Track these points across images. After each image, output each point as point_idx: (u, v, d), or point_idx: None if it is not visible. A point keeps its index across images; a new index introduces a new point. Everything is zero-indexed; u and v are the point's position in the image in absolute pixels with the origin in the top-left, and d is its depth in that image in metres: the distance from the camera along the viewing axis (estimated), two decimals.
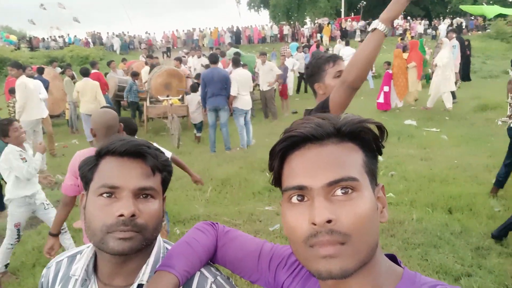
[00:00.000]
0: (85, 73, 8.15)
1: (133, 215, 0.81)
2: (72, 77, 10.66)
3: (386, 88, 9.71)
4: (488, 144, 6.60)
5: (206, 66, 11.20)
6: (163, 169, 0.90)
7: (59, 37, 31.24)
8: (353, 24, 29.29)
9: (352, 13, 36.60)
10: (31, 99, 6.50)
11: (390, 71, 9.72)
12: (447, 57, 8.91)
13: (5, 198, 3.67)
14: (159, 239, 0.95)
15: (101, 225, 0.81)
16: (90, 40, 30.39)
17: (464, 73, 13.02)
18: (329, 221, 0.60)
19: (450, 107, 9.07)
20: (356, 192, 0.63)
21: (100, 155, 0.88)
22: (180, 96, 9.40)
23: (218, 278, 0.92)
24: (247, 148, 7.42)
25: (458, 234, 3.75)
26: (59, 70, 11.87)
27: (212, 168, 6.24)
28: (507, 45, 21.81)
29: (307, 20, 37.06)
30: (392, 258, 0.74)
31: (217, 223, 1.01)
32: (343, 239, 0.61)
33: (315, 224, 0.61)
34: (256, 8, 41.59)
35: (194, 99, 8.35)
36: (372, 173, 0.68)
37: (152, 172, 0.87)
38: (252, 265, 0.90)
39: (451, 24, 26.58)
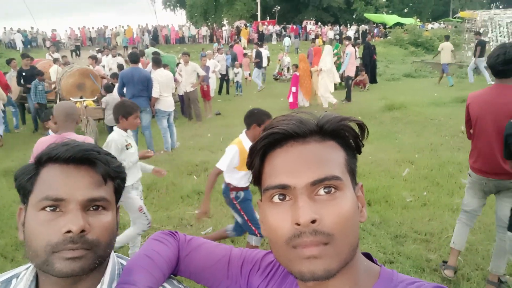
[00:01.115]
0: None
1: (82, 231, 0.70)
2: None
3: (293, 89, 10.46)
4: (396, 140, 7.25)
5: (120, 66, 10.67)
6: (116, 177, 0.80)
7: None
8: (269, 28, 30.20)
9: (268, 17, 37.75)
10: None
11: (298, 74, 10.43)
12: (329, 63, 9.97)
13: None
14: (113, 254, 0.85)
15: (45, 244, 0.69)
16: None
17: (372, 76, 14.20)
18: (313, 221, 0.59)
19: (336, 101, 10.10)
20: (339, 192, 0.63)
21: (40, 162, 0.76)
22: (95, 97, 8.79)
23: None
24: (172, 151, 7.20)
25: (378, 225, 4.05)
26: None
27: None
28: (404, 51, 24.29)
29: (225, 22, 37.32)
30: (367, 256, 0.74)
31: (176, 232, 0.94)
32: (326, 240, 0.59)
33: (298, 225, 0.59)
34: (172, 7, 40.72)
35: (110, 100, 7.86)
36: (352, 172, 0.68)
37: (104, 180, 0.76)
38: (221, 273, 0.85)
39: (358, 30, 28.86)
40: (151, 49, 11.18)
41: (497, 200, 2.87)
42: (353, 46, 11.98)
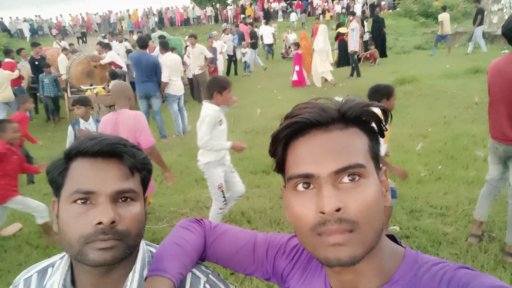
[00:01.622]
0: None
1: (113, 222, 0.73)
2: None
3: (297, 68, 10.55)
4: (408, 115, 7.18)
5: (128, 51, 10.64)
6: (142, 168, 0.82)
7: None
8: (274, 5, 29.65)
9: None
10: None
11: (300, 52, 10.52)
12: (322, 42, 9.91)
13: (199, 163, 3.51)
14: (142, 242, 0.87)
15: (78, 235, 0.72)
16: None
17: (381, 50, 13.92)
18: (338, 210, 0.60)
19: (332, 79, 10.16)
20: (363, 179, 0.63)
21: (70, 156, 0.78)
22: (105, 84, 8.83)
23: (210, 276, 0.88)
24: (184, 135, 7.25)
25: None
26: None
27: None
28: (414, 22, 23.66)
29: (229, 1, 36.72)
30: (392, 238, 0.75)
31: (202, 219, 0.96)
32: (351, 227, 0.60)
33: (323, 213, 0.60)
34: None
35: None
36: (376, 157, 0.68)
37: (131, 172, 0.78)
38: (248, 257, 0.88)
39: (366, 3, 28.16)
40: (158, 33, 11.11)
41: (509, 169, 2.90)
42: (362, 20, 11.76)
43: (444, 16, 13.21)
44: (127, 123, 3.39)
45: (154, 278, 0.77)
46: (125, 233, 0.75)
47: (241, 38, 14.44)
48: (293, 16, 26.59)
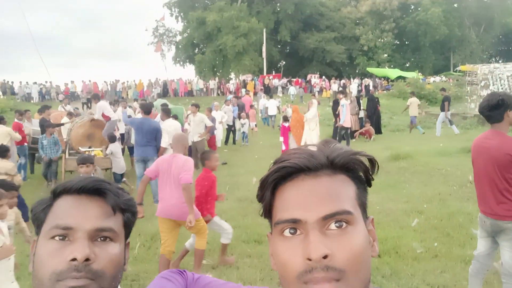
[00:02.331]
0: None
1: (87, 260, 0.71)
2: None
3: (281, 139, 11.51)
4: (403, 190, 7.18)
5: (129, 117, 10.95)
6: (125, 209, 0.81)
7: None
8: (275, 81, 31.20)
9: (273, 71, 39.13)
10: None
11: (286, 125, 11.33)
12: (312, 114, 10.79)
13: None
14: None
15: (51, 272, 0.70)
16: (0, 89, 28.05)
17: (376, 127, 14.38)
18: (325, 257, 0.59)
19: None
20: (350, 226, 0.62)
21: (55, 194, 0.79)
22: (104, 147, 8.94)
23: None
24: None
25: (388, 277, 3.91)
26: None
27: (140, 222, 5.85)
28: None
29: (232, 75, 38.69)
30: None
31: (185, 271, 0.93)
32: (338, 276, 0.59)
33: (310, 260, 0.59)
34: (181, 63, 42.45)
35: (114, 149, 8.02)
36: (363, 206, 0.68)
37: (113, 211, 0.78)
38: None
39: (361, 84, 29.67)
40: (160, 101, 11.52)
41: (500, 245, 2.88)
42: (357, 98, 12.41)
43: (412, 101, 14.78)
44: (179, 164, 3.93)
45: None
46: (99, 273, 0.72)
47: (242, 109, 15.01)
48: (293, 90, 27.95)
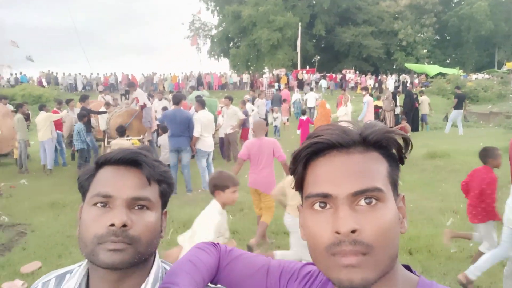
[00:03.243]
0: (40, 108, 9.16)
1: (124, 226, 0.76)
2: (28, 117, 10.30)
3: (298, 132, 12.01)
4: (439, 189, 6.97)
5: (164, 108, 11.22)
6: (161, 180, 0.86)
7: (10, 74, 30.03)
8: (309, 76, 30.91)
9: (308, 66, 38.71)
10: None
11: (304, 118, 11.54)
12: (345, 110, 11.11)
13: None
14: (158, 258, 0.90)
15: (93, 235, 0.76)
16: (44, 79, 29.45)
17: (414, 124, 13.98)
18: (353, 231, 0.60)
19: None
20: (380, 203, 0.63)
21: (98, 164, 0.85)
22: (141, 136, 9.23)
23: None
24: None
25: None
26: (11, 107, 11.32)
27: (173, 209, 6.05)
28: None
29: (265, 70, 38.63)
30: (408, 268, 0.74)
31: (218, 243, 0.98)
32: (366, 250, 0.60)
33: (338, 233, 0.60)
34: (216, 56, 42.83)
35: (162, 141, 8.35)
36: (395, 183, 0.69)
37: (148, 182, 0.82)
38: (260, 282, 0.87)
39: (398, 80, 28.82)
40: (195, 93, 11.72)
41: None
42: (394, 94, 12.16)
43: (422, 99, 14.97)
44: (268, 145, 4.74)
45: None
46: (135, 239, 0.78)
47: (278, 102, 15.15)
48: (324, 83, 27.67)
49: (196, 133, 6.94)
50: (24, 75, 29.67)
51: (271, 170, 4.84)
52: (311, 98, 17.38)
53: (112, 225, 0.76)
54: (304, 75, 30.57)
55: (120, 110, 9.74)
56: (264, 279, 0.87)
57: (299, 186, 0.71)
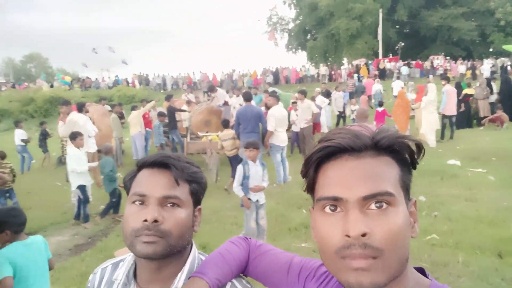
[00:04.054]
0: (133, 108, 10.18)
1: (156, 221, 0.87)
2: (121, 116, 11.39)
3: (373, 124, 10.74)
4: None
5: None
6: (190, 180, 0.95)
7: (108, 77, 33.38)
8: (394, 64, 29.29)
9: (390, 54, 36.69)
10: None
11: (380, 110, 11.05)
12: (431, 98, 10.00)
13: None
14: (195, 250, 1.00)
15: (131, 229, 0.88)
16: (136, 80, 32.21)
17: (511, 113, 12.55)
18: (363, 235, 0.61)
19: (432, 145, 9.87)
20: (391, 207, 0.64)
21: (138, 166, 0.98)
22: (220, 132, 9.65)
23: None
24: (284, 184, 7.41)
25: (510, 281, 3.50)
26: (108, 108, 12.62)
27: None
28: None
29: (344, 61, 37.50)
30: (421, 271, 0.74)
31: (250, 238, 1.04)
32: (375, 254, 0.61)
33: (349, 236, 0.61)
34: (293, 50, 42.70)
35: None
36: (406, 188, 0.69)
37: (176, 182, 0.92)
38: (282, 277, 0.92)
39: (495, 64, 25.96)
40: (270, 89, 11.91)
41: None
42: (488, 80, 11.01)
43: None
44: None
45: (194, 279, 0.89)
46: (166, 233, 0.88)
47: (360, 93, 14.75)
48: (405, 70, 25.99)
49: (270, 127, 7.08)
50: (116, 76, 32.79)
51: None
52: (397, 87, 16.52)
53: (145, 220, 0.87)
54: (386, 64, 29.05)
55: (200, 107, 10.29)
56: (285, 275, 0.91)
57: (311, 189, 0.72)
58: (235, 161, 7.20)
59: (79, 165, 5.88)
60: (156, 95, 24.26)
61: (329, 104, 13.06)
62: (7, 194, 6.55)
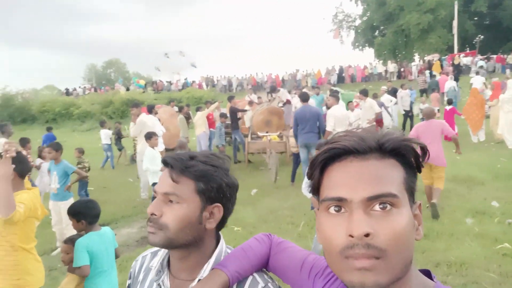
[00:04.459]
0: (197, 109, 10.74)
1: (153, 214, 0.96)
2: (188, 116, 11.96)
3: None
4: None
5: None
6: (197, 179, 0.98)
7: (178, 80, 35.13)
8: (467, 59, 27.16)
9: (468, 48, 34.07)
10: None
11: (448, 108, 10.57)
12: (505, 98, 9.32)
13: None
14: (222, 244, 1.06)
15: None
16: (204, 83, 33.52)
17: None
18: (366, 235, 0.61)
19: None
20: (395, 209, 0.64)
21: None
22: (279, 132, 9.74)
23: (269, 285, 0.99)
24: None
25: None
26: (176, 109, 13.33)
27: (306, 203, 6.24)
28: None
29: (415, 57, 35.54)
30: (427, 273, 0.73)
31: (273, 235, 1.09)
32: (378, 254, 0.61)
33: (352, 237, 0.62)
34: (360, 47, 41.42)
35: None
36: (411, 190, 0.69)
37: (173, 180, 0.97)
38: (296, 274, 0.95)
39: None
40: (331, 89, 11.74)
41: None
42: None
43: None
44: (436, 126, 5.68)
45: (215, 270, 0.96)
46: (163, 225, 0.97)
47: (436, 85, 13.98)
48: (484, 65, 23.90)
49: (329, 127, 7.01)
50: (185, 79, 34.37)
51: (439, 146, 5.57)
52: (478, 83, 15.31)
53: (151, 214, 0.98)
54: (462, 59, 27.02)
55: (261, 108, 10.45)
56: (299, 272, 0.95)
57: (316, 190, 0.74)
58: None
59: (152, 165, 6.19)
60: (222, 97, 25.03)
61: (396, 103, 12.50)
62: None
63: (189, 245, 1.00)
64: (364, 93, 8.94)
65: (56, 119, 26.27)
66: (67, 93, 36.22)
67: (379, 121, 9.96)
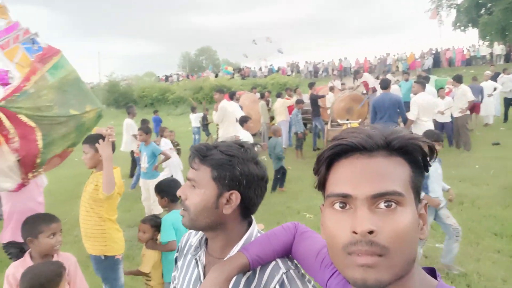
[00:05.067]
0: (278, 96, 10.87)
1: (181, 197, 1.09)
2: (269, 103, 12.16)
3: None
4: None
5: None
6: (212, 167, 1.06)
7: (265, 67, 35.63)
8: None
9: None
10: (227, 119, 7.76)
11: None
12: None
13: None
14: (253, 228, 1.14)
15: None
16: (289, 68, 33.52)
17: None
18: (370, 232, 0.62)
19: None
20: (400, 207, 0.64)
21: None
22: (360, 120, 9.42)
23: (291, 271, 1.04)
24: None
25: None
26: (258, 95, 13.62)
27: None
28: None
29: None
30: (432, 271, 0.73)
31: (299, 224, 1.13)
32: (381, 252, 0.62)
33: (356, 233, 0.62)
34: (463, 28, 37.51)
35: None
36: (417, 189, 0.68)
37: (194, 168, 1.09)
38: (312, 262, 0.99)
39: None
40: (433, 78, 10.96)
41: None
42: None
43: None
44: None
45: (238, 253, 1.04)
46: (187, 207, 1.09)
47: None
48: None
49: (411, 116, 6.58)
50: (270, 65, 34.68)
51: None
52: None
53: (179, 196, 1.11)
54: None
55: (343, 94, 10.19)
56: (313, 261, 0.98)
57: (322, 186, 0.74)
58: None
59: None
60: (306, 83, 24.78)
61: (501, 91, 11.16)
62: None
63: (211, 227, 1.09)
64: (458, 79, 8.12)
65: (154, 104, 28.53)
66: (166, 79, 39.06)
67: (474, 108, 8.99)
